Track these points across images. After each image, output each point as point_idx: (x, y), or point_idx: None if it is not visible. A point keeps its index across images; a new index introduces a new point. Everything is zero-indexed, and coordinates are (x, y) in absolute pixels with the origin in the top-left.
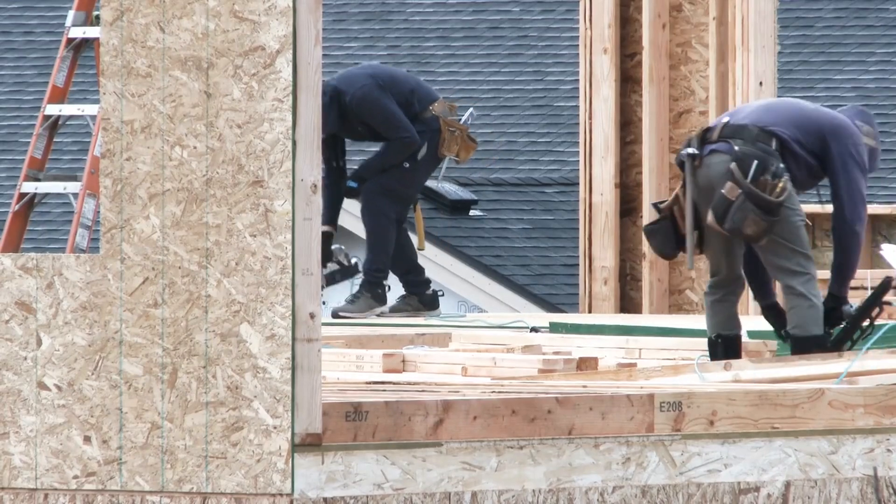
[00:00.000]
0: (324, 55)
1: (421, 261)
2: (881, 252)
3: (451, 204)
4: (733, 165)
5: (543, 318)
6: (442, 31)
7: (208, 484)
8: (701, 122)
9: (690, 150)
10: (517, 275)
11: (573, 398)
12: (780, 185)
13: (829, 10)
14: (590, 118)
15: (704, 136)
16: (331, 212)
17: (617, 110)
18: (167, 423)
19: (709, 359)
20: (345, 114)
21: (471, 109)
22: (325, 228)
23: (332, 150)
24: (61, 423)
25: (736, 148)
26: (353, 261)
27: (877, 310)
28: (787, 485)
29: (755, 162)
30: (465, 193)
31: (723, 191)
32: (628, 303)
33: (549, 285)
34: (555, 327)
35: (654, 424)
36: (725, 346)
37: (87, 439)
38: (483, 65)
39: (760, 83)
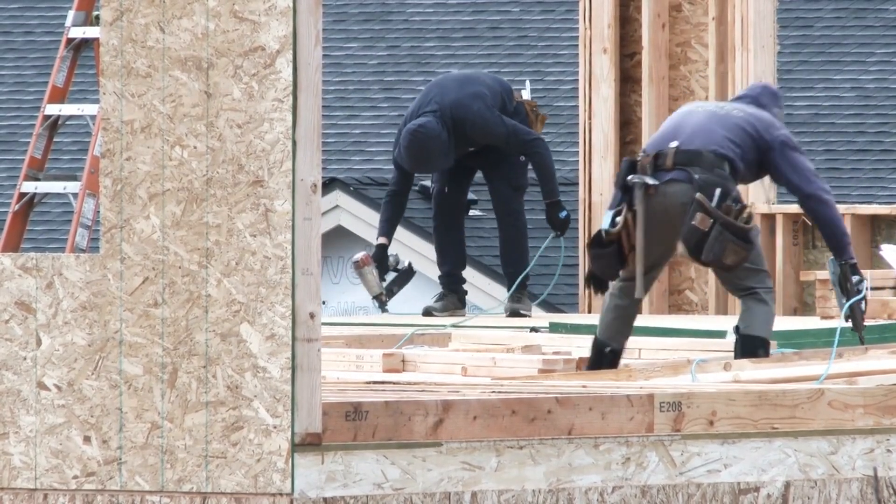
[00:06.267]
0: (324, 55)
1: (421, 260)
2: (881, 252)
3: None
4: (699, 196)
5: (543, 318)
6: (442, 32)
7: (208, 484)
8: None
9: (648, 180)
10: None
11: (573, 398)
12: (747, 210)
13: (829, 10)
14: (589, 118)
15: (656, 163)
16: (391, 227)
17: (616, 110)
18: (167, 423)
19: (698, 361)
20: (459, 140)
21: (526, 81)
22: (382, 240)
23: (443, 176)
24: (61, 423)
25: (696, 176)
26: (407, 262)
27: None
28: (787, 485)
29: (718, 189)
30: None
31: (693, 222)
32: None
33: (549, 285)
34: (555, 327)
35: (653, 424)
36: (613, 356)
37: (86, 439)
38: (483, 65)
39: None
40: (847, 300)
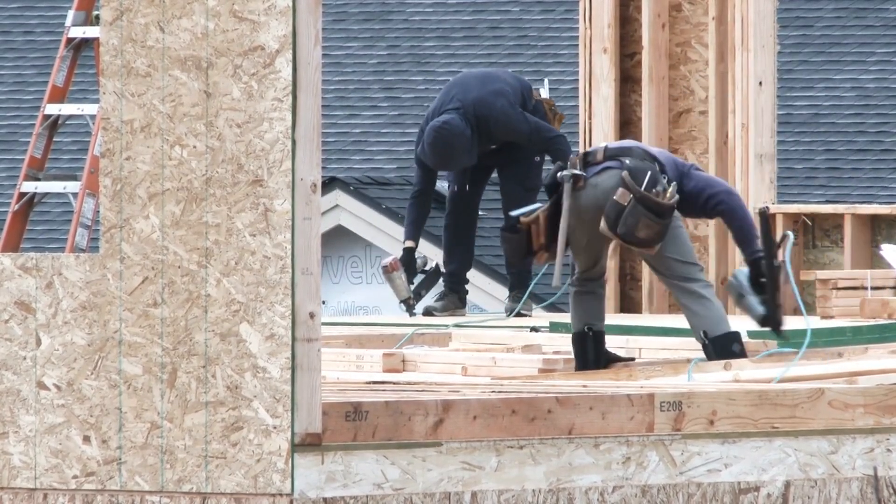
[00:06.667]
0: (324, 55)
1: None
2: (881, 252)
3: None
4: (625, 174)
5: (543, 318)
6: (442, 31)
7: (208, 484)
8: (700, 122)
9: (575, 171)
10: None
11: (573, 398)
12: (670, 189)
13: (829, 10)
14: (589, 118)
15: (586, 160)
16: (417, 229)
17: (616, 110)
18: (167, 423)
19: (695, 361)
20: (482, 138)
21: (545, 79)
22: (409, 244)
23: (463, 175)
24: (61, 422)
25: (627, 161)
26: (434, 264)
27: (779, 260)
28: (787, 485)
29: (648, 173)
30: None
31: (615, 197)
32: (628, 303)
33: (549, 285)
34: (555, 327)
35: (654, 424)
36: (595, 338)
37: (86, 439)
38: (483, 65)
39: (760, 83)
40: (773, 289)
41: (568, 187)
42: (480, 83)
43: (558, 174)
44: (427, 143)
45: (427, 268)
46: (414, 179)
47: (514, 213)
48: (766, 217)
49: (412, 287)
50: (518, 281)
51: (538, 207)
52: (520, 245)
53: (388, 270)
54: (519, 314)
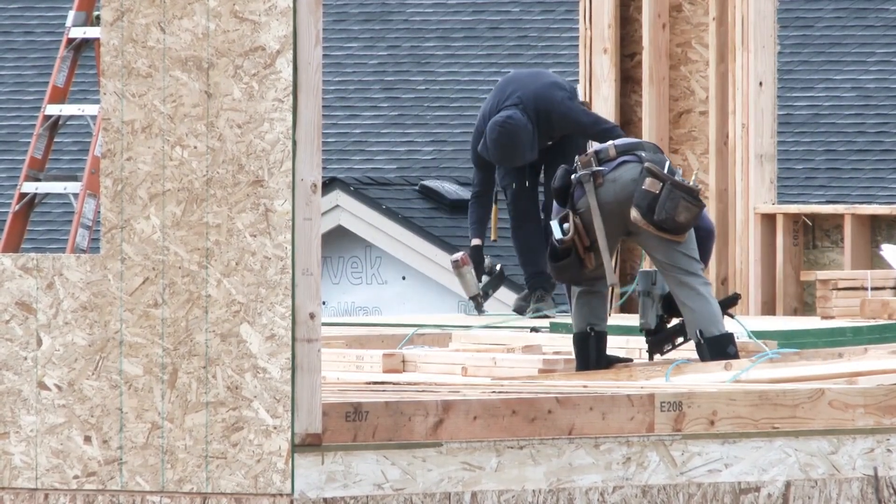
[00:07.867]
0: (324, 55)
1: (421, 260)
2: (881, 252)
3: (450, 204)
4: (650, 164)
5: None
6: (442, 32)
7: (208, 484)
8: (701, 123)
9: (596, 168)
10: (517, 275)
11: (573, 398)
12: (692, 177)
13: (829, 10)
14: None
15: (599, 157)
16: (482, 227)
17: (617, 110)
18: (167, 423)
19: (678, 362)
20: (542, 132)
21: (577, 87)
22: (476, 242)
23: (521, 169)
24: (61, 423)
25: (643, 154)
26: (499, 267)
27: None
28: (788, 485)
29: (666, 163)
30: (465, 193)
31: (644, 186)
32: (628, 303)
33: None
34: (555, 327)
35: (654, 424)
36: (598, 338)
37: (87, 439)
38: (483, 65)
39: (760, 83)
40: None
41: (591, 186)
42: (535, 78)
43: (572, 175)
44: (490, 138)
45: (493, 270)
46: (473, 182)
47: (553, 238)
48: (736, 300)
49: (480, 285)
50: (537, 281)
51: (561, 222)
52: (574, 267)
53: (458, 265)
54: (544, 316)
